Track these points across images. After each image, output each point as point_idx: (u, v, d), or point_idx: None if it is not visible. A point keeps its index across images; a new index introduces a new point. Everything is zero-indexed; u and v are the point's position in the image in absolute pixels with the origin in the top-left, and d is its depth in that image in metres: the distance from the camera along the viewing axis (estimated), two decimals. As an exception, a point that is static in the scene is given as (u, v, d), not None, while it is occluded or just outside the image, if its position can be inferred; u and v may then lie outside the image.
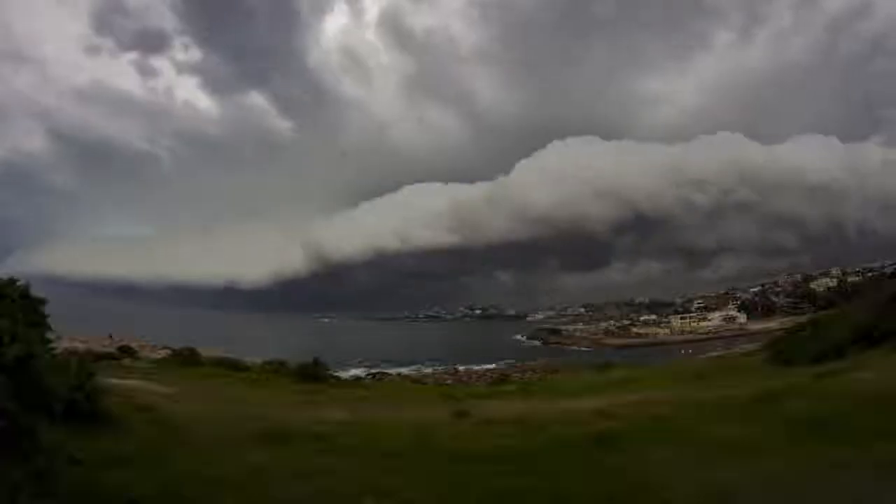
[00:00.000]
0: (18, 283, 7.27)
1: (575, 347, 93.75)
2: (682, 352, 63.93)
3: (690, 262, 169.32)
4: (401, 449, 7.94)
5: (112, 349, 29.64)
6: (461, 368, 62.76)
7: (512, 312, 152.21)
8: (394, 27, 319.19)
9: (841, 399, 8.29)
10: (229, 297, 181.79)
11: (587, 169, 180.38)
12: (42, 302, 7.56)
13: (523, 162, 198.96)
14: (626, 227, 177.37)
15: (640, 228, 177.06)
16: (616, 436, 8.12)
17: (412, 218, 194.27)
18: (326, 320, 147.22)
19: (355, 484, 6.32)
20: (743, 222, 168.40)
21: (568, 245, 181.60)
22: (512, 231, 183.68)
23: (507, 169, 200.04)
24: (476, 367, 63.07)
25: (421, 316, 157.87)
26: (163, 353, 29.36)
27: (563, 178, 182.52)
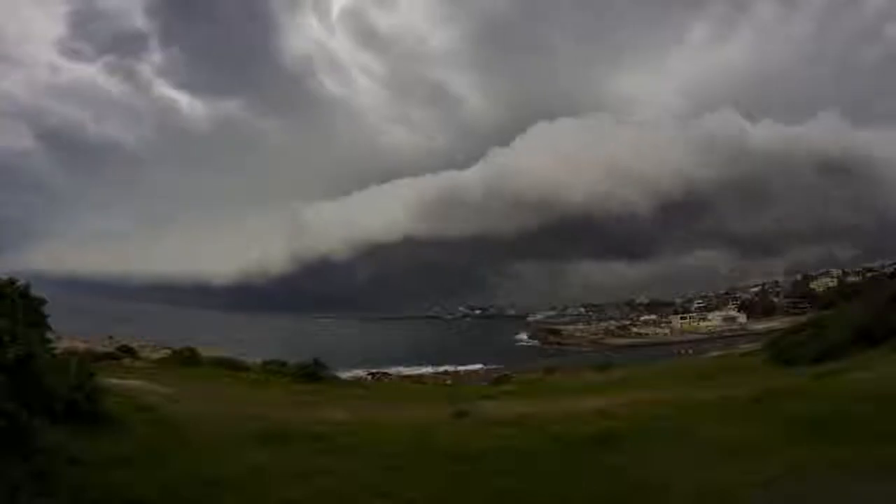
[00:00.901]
0: (18, 283, 7.27)
1: (575, 347, 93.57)
2: (682, 352, 63.78)
3: (735, 252, 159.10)
4: (401, 449, 7.94)
5: (112, 349, 29.62)
6: (461, 368, 62.73)
7: (512, 312, 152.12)
8: (366, 27, 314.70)
9: (841, 399, 8.28)
10: (217, 295, 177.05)
11: (592, 148, 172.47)
12: (42, 302, 7.57)
13: (517, 140, 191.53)
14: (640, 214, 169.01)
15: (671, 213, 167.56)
16: (616, 436, 8.12)
17: (402, 210, 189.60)
18: (326, 320, 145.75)
19: (355, 484, 6.32)
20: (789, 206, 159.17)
21: (574, 233, 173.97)
22: (518, 220, 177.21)
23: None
24: (476, 367, 63.01)
25: (421, 316, 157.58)
26: (163, 353, 29.34)
27: (560, 158, 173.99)
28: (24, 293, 7.21)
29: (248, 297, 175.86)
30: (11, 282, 7.18)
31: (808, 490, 5.35)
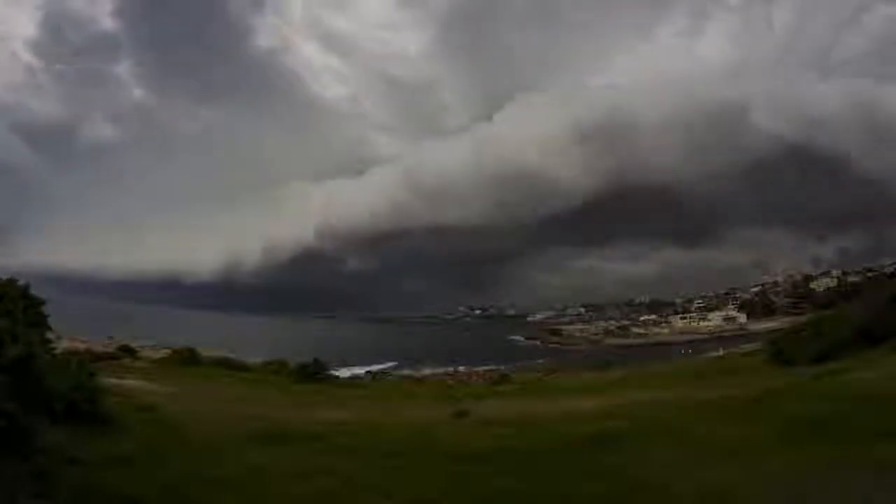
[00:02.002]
0: (18, 283, 7.28)
1: (575, 347, 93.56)
2: (682, 352, 63.71)
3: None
4: (401, 449, 7.95)
5: (112, 349, 29.62)
6: (461, 368, 62.70)
7: (512, 312, 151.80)
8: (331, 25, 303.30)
9: (841, 399, 8.29)
10: (194, 293, 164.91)
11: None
12: (42, 302, 7.57)
13: (502, 114, 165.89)
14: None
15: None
16: (616, 436, 8.12)
17: (389, 197, 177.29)
18: (319, 320, 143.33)
19: (355, 484, 6.32)
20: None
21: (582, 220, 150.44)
22: (516, 207, 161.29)
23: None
24: (476, 367, 62.99)
25: (419, 316, 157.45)
26: (163, 353, 29.36)
27: (550, 134, 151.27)
28: (24, 293, 7.22)
29: (229, 294, 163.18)
30: (12, 282, 7.18)
31: (808, 490, 5.35)
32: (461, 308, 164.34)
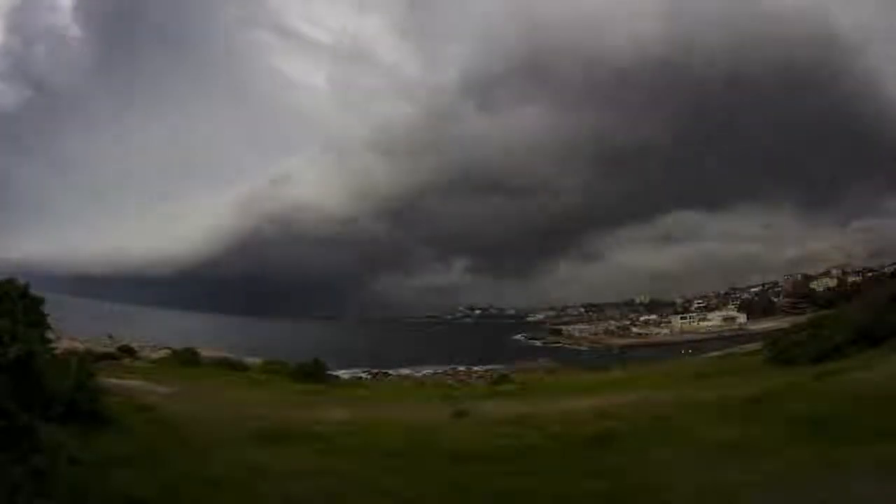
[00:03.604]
0: (18, 283, 7.27)
1: (575, 347, 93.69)
2: (682, 352, 63.70)
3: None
4: (401, 449, 7.94)
5: (112, 349, 29.59)
6: (461, 368, 62.70)
7: (512, 312, 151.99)
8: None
9: (841, 399, 8.29)
10: (153, 288, 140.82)
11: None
12: (41, 301, 7.56)
13: None
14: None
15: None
16: (616, 436, 8.12)
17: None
18: (323, 321, 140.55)
19: (355, 484, 6.32)
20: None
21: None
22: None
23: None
24: (476, 367, 62.98)
25: (419, 317, 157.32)
26: (162, 353, 29.33)
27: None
28: (24, 293, 7.22)
29: (195, 289, 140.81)
30: (12, 281, 7.18)
31: (808, 490, 5.35)
32: (461, 308, 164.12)
